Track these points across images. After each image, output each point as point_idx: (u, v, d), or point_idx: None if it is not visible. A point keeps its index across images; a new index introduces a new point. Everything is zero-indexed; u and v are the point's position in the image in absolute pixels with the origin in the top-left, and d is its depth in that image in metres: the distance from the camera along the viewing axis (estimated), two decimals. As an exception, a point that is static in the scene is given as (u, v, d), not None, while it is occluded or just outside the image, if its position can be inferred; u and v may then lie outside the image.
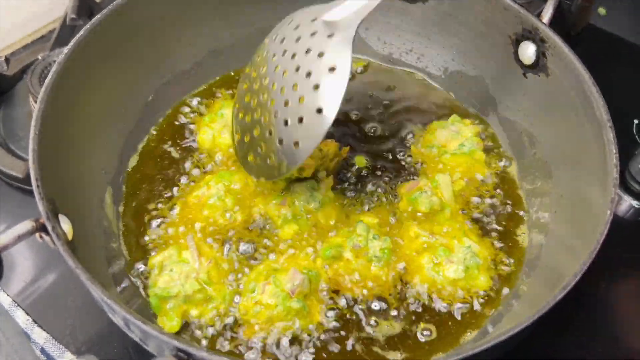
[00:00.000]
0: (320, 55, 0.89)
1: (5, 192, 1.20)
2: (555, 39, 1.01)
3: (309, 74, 0.89)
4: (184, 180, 1.11)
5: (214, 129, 1.14)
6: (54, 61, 1.24)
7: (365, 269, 0.99)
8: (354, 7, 0.89)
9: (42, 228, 0.81)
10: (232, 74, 1.26)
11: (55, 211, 0.85)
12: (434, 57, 1.25)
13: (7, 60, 1.31)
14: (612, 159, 0.90)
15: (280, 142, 0.92)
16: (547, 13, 1.08)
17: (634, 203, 1.21)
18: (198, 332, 0.95)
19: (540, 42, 1.04)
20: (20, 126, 1.26)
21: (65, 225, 0.86)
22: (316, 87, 0.88)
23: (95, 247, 0.98)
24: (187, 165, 1.13)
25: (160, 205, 1.08)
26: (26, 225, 0.80)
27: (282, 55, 0.94)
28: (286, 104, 0.91)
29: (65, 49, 0.98)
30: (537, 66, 1.06)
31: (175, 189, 1.10)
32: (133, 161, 1.13)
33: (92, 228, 0.99)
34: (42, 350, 1.00)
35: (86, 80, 1.02)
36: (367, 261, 0.99)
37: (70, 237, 0.86)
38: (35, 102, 1.19)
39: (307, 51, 0.90)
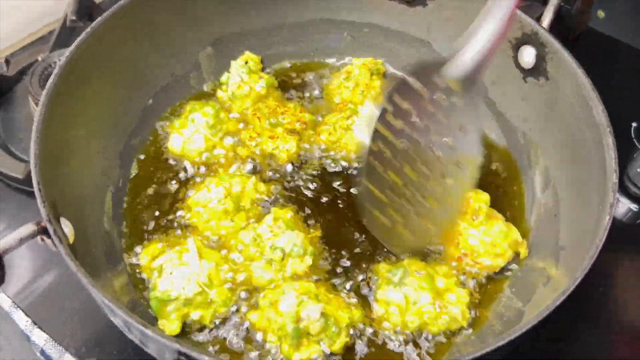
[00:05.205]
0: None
1: (5, 193, 1.20)
2: (555, 44, 1.02)
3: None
4: (184, 182, 1.11)
5: (184, 135, 1.13)
6: (54, 62, 1.25)
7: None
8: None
9: (43, 231, 0.82)
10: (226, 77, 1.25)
11: (57, 214, 0.85)
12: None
13: (7, 61, 1.31)
14: (612, 164, 0.90)
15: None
16: (547, 17, 1.09)
17: (632, 206, 1.22)
18: (198, 335, 0.95)
19: (540, 46, 1.04)
20: (20, 127, 1.26)
21: (67, 228, 0.86)
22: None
23: (96, 249, 0.98)
24: (187, 168, 1.13)
25: (160, 208, 1.08)
26: (28, 228, 0.81)
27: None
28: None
29: (66, 53, 0.98)
30: (537, 71, 1.06)
31: (175, 191, 1.10)
32: (133, 164, 1.14)
33: (93, 230, 1.00)
34: (42, 352, 1.00)
35: (87, 84, 1.02)
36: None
37: (71, 240, 0.86)
38: (35, 103, 1.20)
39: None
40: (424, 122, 0.95)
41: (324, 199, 1.10)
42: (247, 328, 0.95)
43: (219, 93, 1.23)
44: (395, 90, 0.93)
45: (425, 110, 0.94)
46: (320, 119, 1.20)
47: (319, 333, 0.91)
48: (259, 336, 0.94)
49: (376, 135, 0.93)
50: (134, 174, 1.13)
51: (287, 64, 1.30)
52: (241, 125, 1.18)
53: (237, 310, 0.97)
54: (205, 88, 1.26)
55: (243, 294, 0.98)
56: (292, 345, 0.91)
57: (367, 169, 0.95)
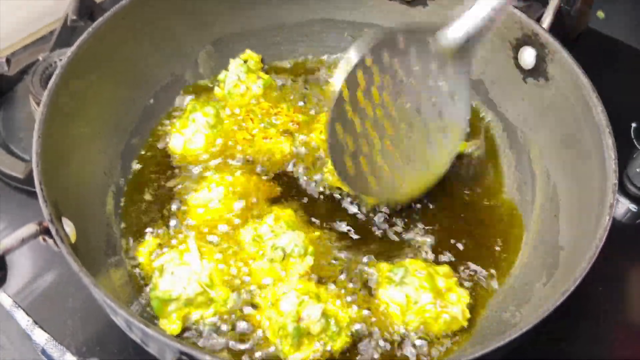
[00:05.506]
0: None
1: (5, 192, 1.21)
2: (555, 45, 1.02)
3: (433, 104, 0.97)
4: (184, 182, 1.11)
5: (185, 135, 1.14)
6: (55, 62, 1.25)
7: None
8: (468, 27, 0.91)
9: (45, 231, 0.82)
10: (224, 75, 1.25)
11: (59, 214, 0.85)
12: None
13: (7, 61, 1.31)
14: (611, 165, 0.91)
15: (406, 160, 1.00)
16: (547, 18, 1.09)
17: (632, 206, 1.22)
18: (199, 335, 0.95)
19: (540, 47, 1.04)
20: (21, 127, 1.27)
21: (68, 227, 0.86)
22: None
23: (97, 248, 0.98)
24: (187, 168, 1.13)
25: (161, 207, 1.08)
26: (30, 228, 0.81)
27: (395, 77, 0.93)
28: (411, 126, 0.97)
29: (68, 52, 0.98)
30: (537, 71, 1.06)
31: (176, 191, 1.10)
32: (135, 163, 1.14)
33: (94, 230, 1.00)
34: (43, 352, 1.00)
35: (88, 83, 1.03)
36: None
37: (73, 239, 0.86)
38: (36, 103, 1.20)
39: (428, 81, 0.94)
40: (410, 81, 0.93)
41: (324, 199, 1.11)
42: (247, 328, 0.96)
43: (216, 90, 1.23)
44: (382, 43, 0.89)
45: (414, 72, 0.93)
46: (318, 118, 1.20)
47: (319, 333, 0.91)
48: (259, 336, 0.94)
49: (352, 80, 0.89)
50: (135, 174, 1.13)
51: (287, 64, 1.31)
52: (236, 127, 1.18)
53: (238, 310, 0.97)
54: (203, 84, 1.26)
55: (244, 294, 0.98)
56: (293, 345, 0.91)
57: (339, 112, 0.91)
